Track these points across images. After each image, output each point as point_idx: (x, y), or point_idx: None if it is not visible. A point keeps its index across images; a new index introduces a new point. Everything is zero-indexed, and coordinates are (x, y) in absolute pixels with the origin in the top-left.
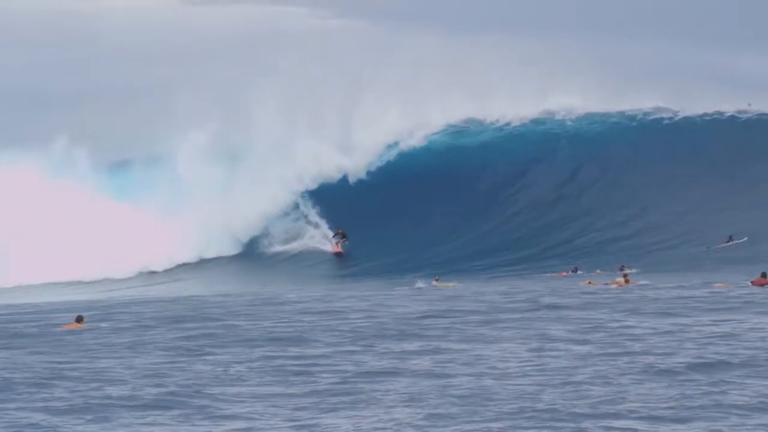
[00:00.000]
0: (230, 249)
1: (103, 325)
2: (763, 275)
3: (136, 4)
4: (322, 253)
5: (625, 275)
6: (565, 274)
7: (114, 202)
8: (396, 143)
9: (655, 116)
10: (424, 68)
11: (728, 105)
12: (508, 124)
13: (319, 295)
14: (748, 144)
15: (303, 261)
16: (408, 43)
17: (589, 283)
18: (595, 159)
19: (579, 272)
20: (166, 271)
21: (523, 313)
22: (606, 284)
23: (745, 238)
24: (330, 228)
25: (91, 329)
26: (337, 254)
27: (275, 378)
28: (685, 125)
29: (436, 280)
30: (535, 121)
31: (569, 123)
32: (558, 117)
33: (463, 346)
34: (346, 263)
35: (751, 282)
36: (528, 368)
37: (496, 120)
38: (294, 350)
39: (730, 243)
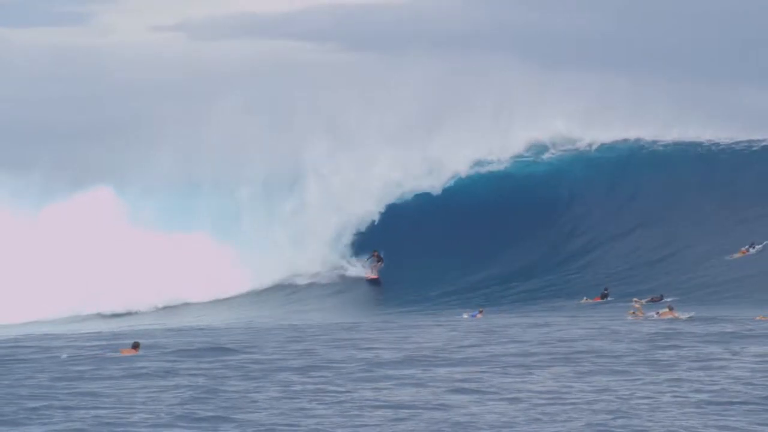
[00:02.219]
0: (252, 282)
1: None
2: None
3: (142, 39)
4: (355, 280)
5: (669, 306)
6: (599, 299)
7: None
8: (416, 176)
9: (665, 142)
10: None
11: (728, 134)
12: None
13: (349, 324)
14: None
15: (333, 289)
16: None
17: (633, 314)
18: (613, 184)
19: (610, 298)
20: (186, 305)
21: (555, 346)
22: (656, 314)
23: (766, 242)
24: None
25: (140, 356)
26: (372, 281)
27: (301, 404)
28: (686, 151)
29: (480, 312)
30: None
31: (578, 153)
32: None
33: (492, 377)
34: (380, 291)
35: None
36: (556, 400)
37: (513, 151)
38: (320, 377)
39: (752, 250)
